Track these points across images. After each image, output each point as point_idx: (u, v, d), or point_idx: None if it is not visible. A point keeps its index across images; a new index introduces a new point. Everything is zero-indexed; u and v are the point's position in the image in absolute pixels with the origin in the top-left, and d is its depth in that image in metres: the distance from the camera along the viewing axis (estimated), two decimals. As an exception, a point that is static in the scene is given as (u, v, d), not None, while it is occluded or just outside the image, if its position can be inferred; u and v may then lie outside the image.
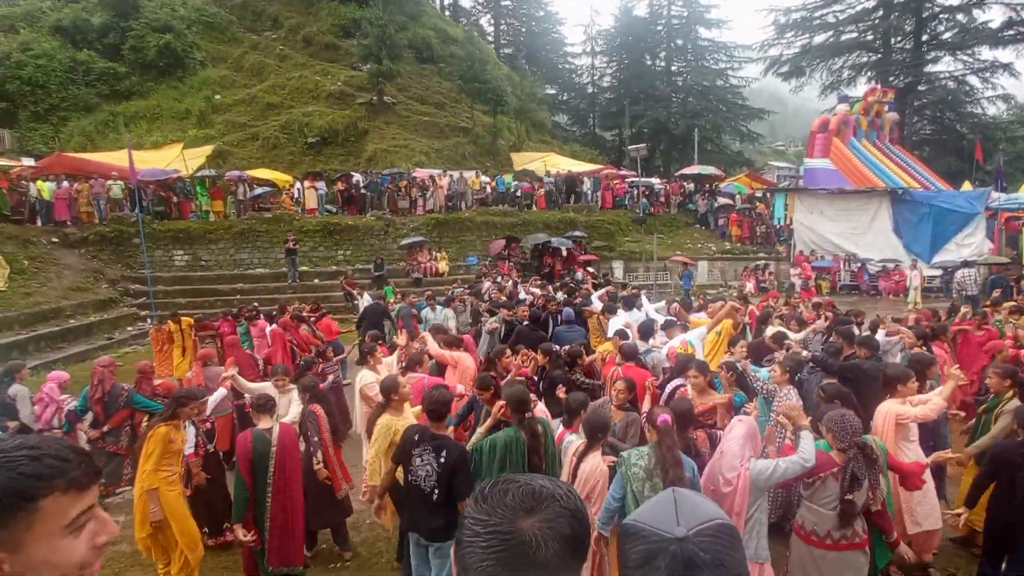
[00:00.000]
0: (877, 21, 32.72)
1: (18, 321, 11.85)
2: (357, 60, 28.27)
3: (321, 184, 20.59)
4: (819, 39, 34.92)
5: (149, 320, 11.06)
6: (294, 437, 4.34)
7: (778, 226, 21.21)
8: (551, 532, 0.82)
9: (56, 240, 15.81)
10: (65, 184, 16.98)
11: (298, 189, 20.21)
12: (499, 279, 14.37)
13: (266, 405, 4.26)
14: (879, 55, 33.37)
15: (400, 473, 3.74)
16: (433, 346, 5.99)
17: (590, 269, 15.32)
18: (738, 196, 24.20)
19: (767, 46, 36.45)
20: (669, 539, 0.85)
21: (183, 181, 18.96)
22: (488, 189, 21.63)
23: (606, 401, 4.81)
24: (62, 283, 14.30)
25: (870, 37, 33.68)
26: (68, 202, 16.71)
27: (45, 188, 16.48)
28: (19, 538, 0.91)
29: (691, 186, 25.41)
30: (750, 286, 16.87)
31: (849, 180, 19.80)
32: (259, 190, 19.65)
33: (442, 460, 3.51)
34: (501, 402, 3.93)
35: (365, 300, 11.96)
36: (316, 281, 17.30)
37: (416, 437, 3.64)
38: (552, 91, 46.45)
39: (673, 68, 43.72)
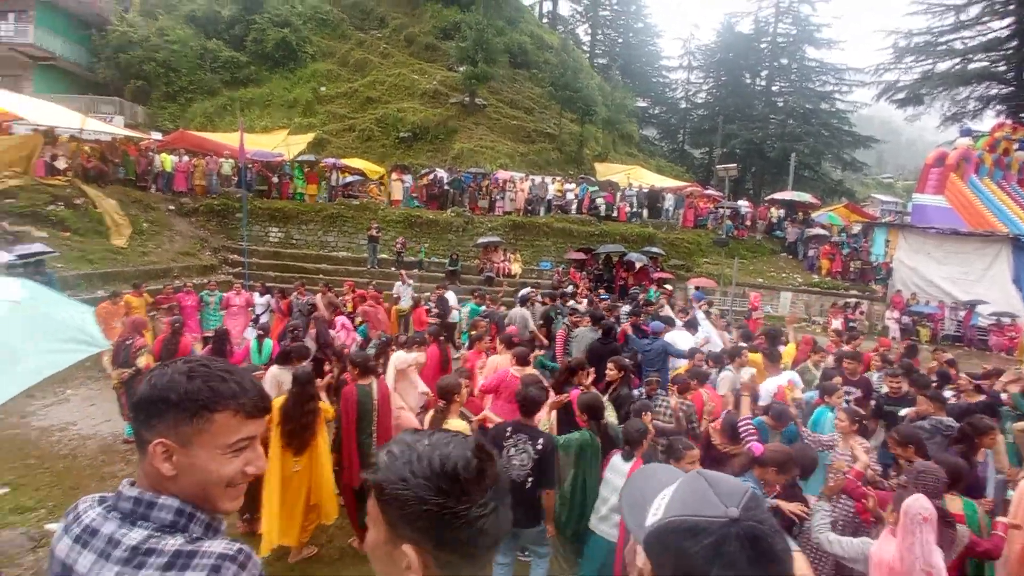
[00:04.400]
0: (1011, 51, 29.71)
1: (133, 276, 13.11)
2: (454, 61, 29.16)
3: (408, 177, 21.39)
4: (943, 66, 32.19)
5: (244, 288, 11.88)
6: (387, 393, 4.79)
7: (875, 263, 19.72)
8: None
9: (172, 208, 17.43)
10: (185, 159, 18.75)
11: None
12: (569, 288, 14.30)
13: (367, 364, 4.67)
14: (1012, 87, 30.27)
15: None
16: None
17: (668, 287, 14.88)
18: (833, 227, 22.74)
19: (882, 70, 34.13)
20: (727, 522, 0.82)
21: (285, 164, 20.32)
22: (570, 196, 21.58)
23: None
24: (173, 247, 15.73)
25: (1003, 68, 30.61)
26: (186, 175, 18.42)
27: (168, 160, 18.23)
28: (191, 438, 1.07)
29: (780, 212, 24.13)
30: (837, 324, 15.75)
31: (965, 221, 18.12)
32: (350, 178, 20.69)
33: (539, 448, 3.69)
34: (558, 398, 4.01)
35: (407, 288, 13.01)
36: (392, 269, 17.97)
37: (509, 430, 3.79)
38: (643, 104, 45.77)
39: (774, 88, 41.88)
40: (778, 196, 26.52)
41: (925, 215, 18.69)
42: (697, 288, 16.09)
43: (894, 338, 12.88)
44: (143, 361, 6.38)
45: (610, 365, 5.56)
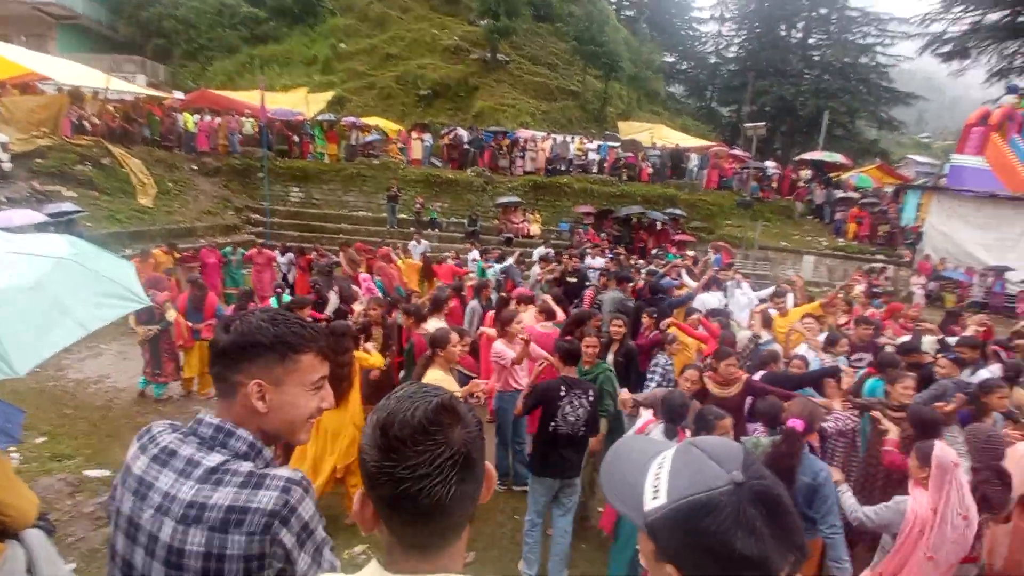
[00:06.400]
0: (1070, 2, 27.58)
1: (160, 235, 13.46)
2: (475, 15, 28.34)
3: (428, 136, 21.21)
4: (993, 17, 30.05)
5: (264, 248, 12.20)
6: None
7: (906, 227, 19.10)
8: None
9: (195, 168, 17.66)
10: (207, 118, 18.84)
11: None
12: (589, 249, 14.26)
13: (421, 314, 5.17)
14: (1066, 42, 28.29)
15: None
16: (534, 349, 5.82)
17: (690, 253, 14.68)
18: (861, 190, 21.99)
19: (929, 20, 31.93)
20: (735, 488, 0.80)
21: (305, 123, 20.30)
22: (592, 156, 21.20)
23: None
24: (197, 206, 16.04)
25: (1058, 21, 28.52)
26: (208, 134, 18.56)
27: (190, 120, 18.36)
28: (283, 378, 1.23)
29: (808, 173, 23.35)
30: (860, 289, 15.43)
31: (1004, 183, 17.31)
32: (370, 137, 20.62)
33: (591, 399, 3.90)
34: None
35: (423, 246, 13.37)
36: (411, 229, 18.05)
37: (563, 388, 3.92)
38: (670, 59, 44.02)
39: (810, 40, 39.73)
40: (808, 156, 25.59)
41: (962, 177, 17.88)
42: (716, 252, 15.85)
43: (917, 304, 12.60)
44: (171, 316, 6.66)
45: (616, 321, 5.60)
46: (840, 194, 21.02)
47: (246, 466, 1.18)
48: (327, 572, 1.25)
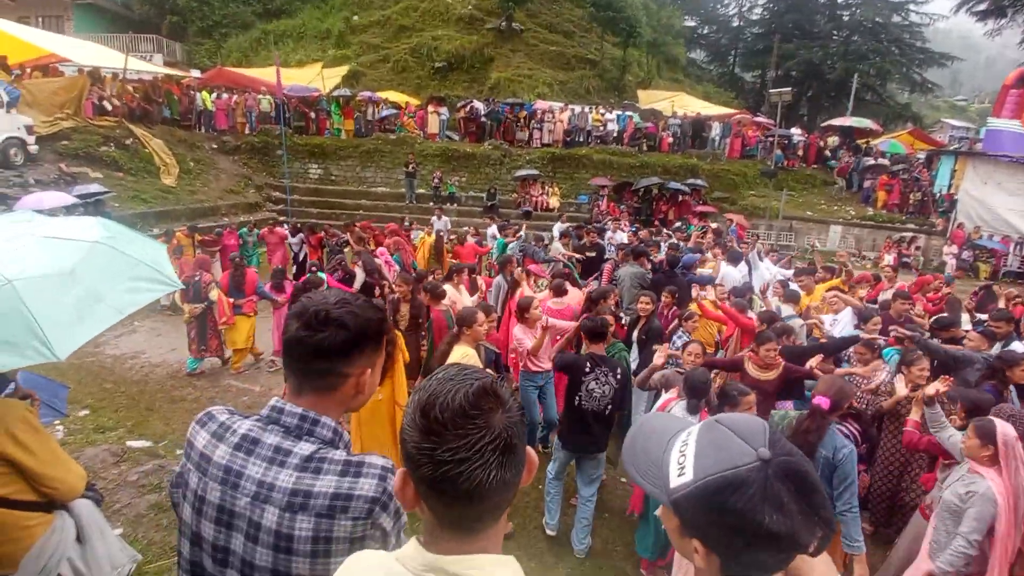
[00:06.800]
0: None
1: (184, 214, 13.69)
2: (490, -18, 27.61)
3: (444, 110, 20.99)
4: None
5: (285, 225, 12.31)
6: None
7: (939, 195, 18.48)
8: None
9: (215, 146, 17.79)
10: (224, 96, 18.87)
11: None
12: (610, 223, 14.10)
13: (439, 292, 5.32)
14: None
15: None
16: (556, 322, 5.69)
17: (714, 225, 14.43)
18: (892, 156, 21.24)
19: (965, -24, 30.32)
20: (762, 465, 0.81)
21: (321, 99, 20.22)
22: (611, 126, 20.79)
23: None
24: (219, 185, 16.21)
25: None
26: (226, 112, 18.63)
27: (208, 98, 18.42)
28: (375, 361, 1.31)
29: (836, 140, 22.61)
30: (889, 259, 15.07)
31: (1043, 148, 16.60)
32: (386, 112, 20.48)
33: (619, 377, 3.92)
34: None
35: (443, 223, 13.45)
36: (431, 204, 18.07)
37: (588, 364, 3.95)
38: (691, 23, 42.58)
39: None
40: (835, 122, 24.74)
41: (999, 141, 17.16)
42: (731, 222, 15.59)
43: (948, 274, 12.24)
44: (215, 295, 6.89)
45: (644, 299, 5.57)
46: (869, 161, 20.34)
47: (339, 454, 1.23)
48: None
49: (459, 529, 0.86)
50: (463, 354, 3.86)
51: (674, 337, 5.45)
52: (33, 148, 12.09)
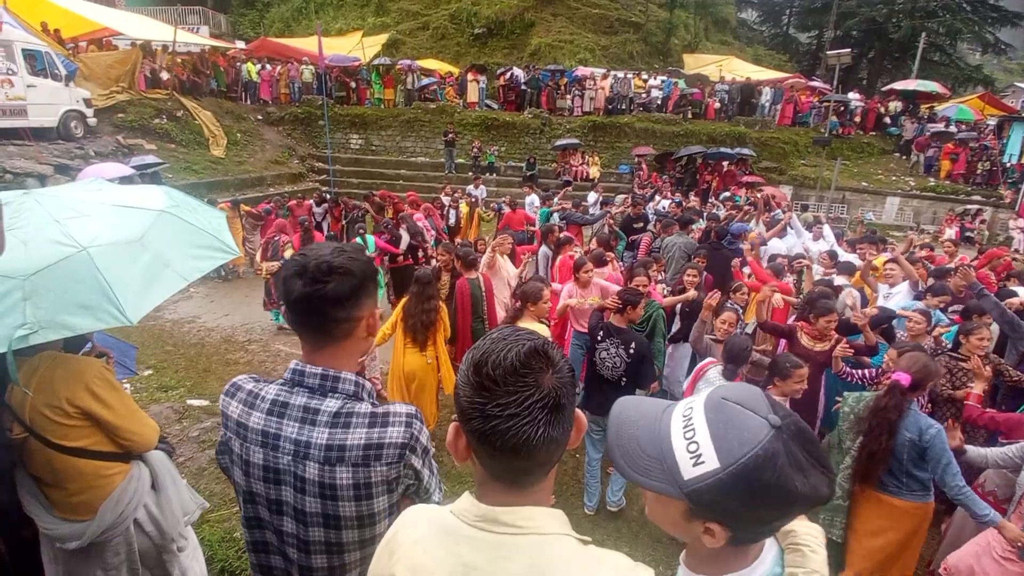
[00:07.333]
0: None
1: (233, 185, 14.11)
2: (531, -57, 26.77)
3: (483, 78, 20.71)
4: None
5: (328, 195, 12.53)
6: (491, 284, 5.34)
7: (1009, 165, 17.22)
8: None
9: (260, 117, 18.14)
10: (268, 67, 19.14)
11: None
12: (651, 192, 13.79)
13: (470, 259, 5.19)
14: None
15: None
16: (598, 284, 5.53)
17: (761, 193, 13.83)
18: (960, 123, 19.84)
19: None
20: (776, 432, 0.82)
21: (362, 69, 20.25)
22: (655, 93, 20.11)
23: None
24: (265, 156, 16.59)
25: None
26: (271, 83, 18.91)
27: (253, 70, 18.71)
28: (375, 301, 1.40)
29: (897, 106, 21.21)
30: (950, 233, 14.23)
31: None
32: (426, 80, 20.38)
33: (632, 351, 3.88)
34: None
35: (480, 191, 13.76)
36: (470, 174, 18.07)
37: (601, 333, 3.99)
38: (743, -20, 40.33)
39: (908, -49, 35.14)
40: (898, 85, 23.20)
41: (1083, 105, 15.83)
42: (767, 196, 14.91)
43: (1016, 250, 11.50)
44: (289, 254, 7.40)
45: (690, 272, 5.37)
46: (933, 128, 19.06)
47: (364, 407, 1.33)
48: (436, 498, 1.40)
49: (510, 483, 0.89)
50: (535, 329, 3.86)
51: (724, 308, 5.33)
52: (92, 121, 12.60)
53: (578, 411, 0.94)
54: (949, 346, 4.20)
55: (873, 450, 2.96)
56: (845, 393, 3.39)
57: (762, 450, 0.80)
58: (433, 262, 7.34)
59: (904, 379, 2.95)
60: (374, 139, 19.31)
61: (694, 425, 0.87)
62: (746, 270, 6.14)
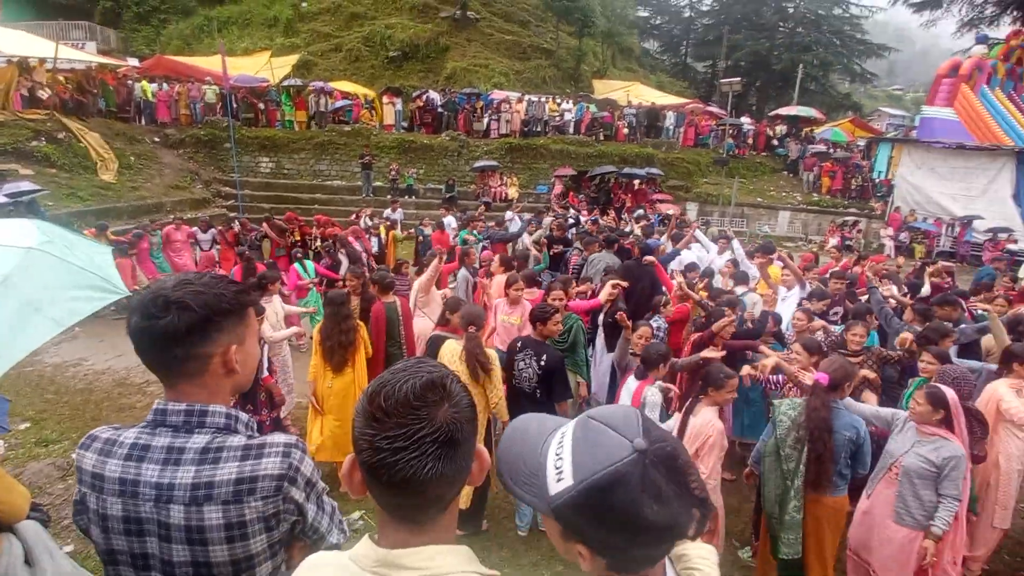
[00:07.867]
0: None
1: (127, 212, 13.02)
2: (443, -30, 27.21)
3: (399, 100, 20.62)
4: (966, -35, 29.91)
5: (236, 222, 11.86)
6: (409, 309, 5.24)
7: (877, 180, 19.44)
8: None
9: (158, 140, 16.94)
10: (166, 86, 17.97)
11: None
12: (569, 212, 14.20)
13: (388, 283, 5.11)
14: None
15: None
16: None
17: (670, 212, 14.65)
18: (834, 144, 22.21)
19: (901, -30, 31.67)
20: (639, 456, 0.79)
21: (271, 90, 19.51)
22: (568, 116, 20.89)
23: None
24: (163, 180, 15.46)
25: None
26: (169, 104, 17.74)
27: (148, 89, 17.49)
28: (244, 335, 1.29)
29: (783, 129, 23.45)
30: (833, 242, 15.79)
31: (972, 135, 17.65)
32: (339, 103, 19.96)
33: (543, 363, 3.92)
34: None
35: (399, 214, 13.87)
36: (388, 197, 17.77)
37: (519, 344, 4.07)
38: (644, 14, 43.21)
39: (784, -8, 39.25)
40: (782, 111, 25.69)
41: (932, 129, 18.18)
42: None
43: (889, 256, 12.95)
44: None
45: (612, 284, 5.52)
46: (814, 149, 21.21)
47: (237, 439, 1.23)
48: (334, 539, 1.33)
49: (405, 520, 0.87)
50: (451, 351, 3.86)
51: (651, 322, 5.55)
52: (-46, 144, 11.23)
53: (482, 448, 0.93)
54: (838, 334, 4.67)
55: (819, 453, 3.11)
56: (776, 401, 3.56)
57: (614, 470, 0.78)
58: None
59: (823, 379, 3.19)
60: (286, 162, 18.58)
61: (564, 442, 0.86)
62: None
